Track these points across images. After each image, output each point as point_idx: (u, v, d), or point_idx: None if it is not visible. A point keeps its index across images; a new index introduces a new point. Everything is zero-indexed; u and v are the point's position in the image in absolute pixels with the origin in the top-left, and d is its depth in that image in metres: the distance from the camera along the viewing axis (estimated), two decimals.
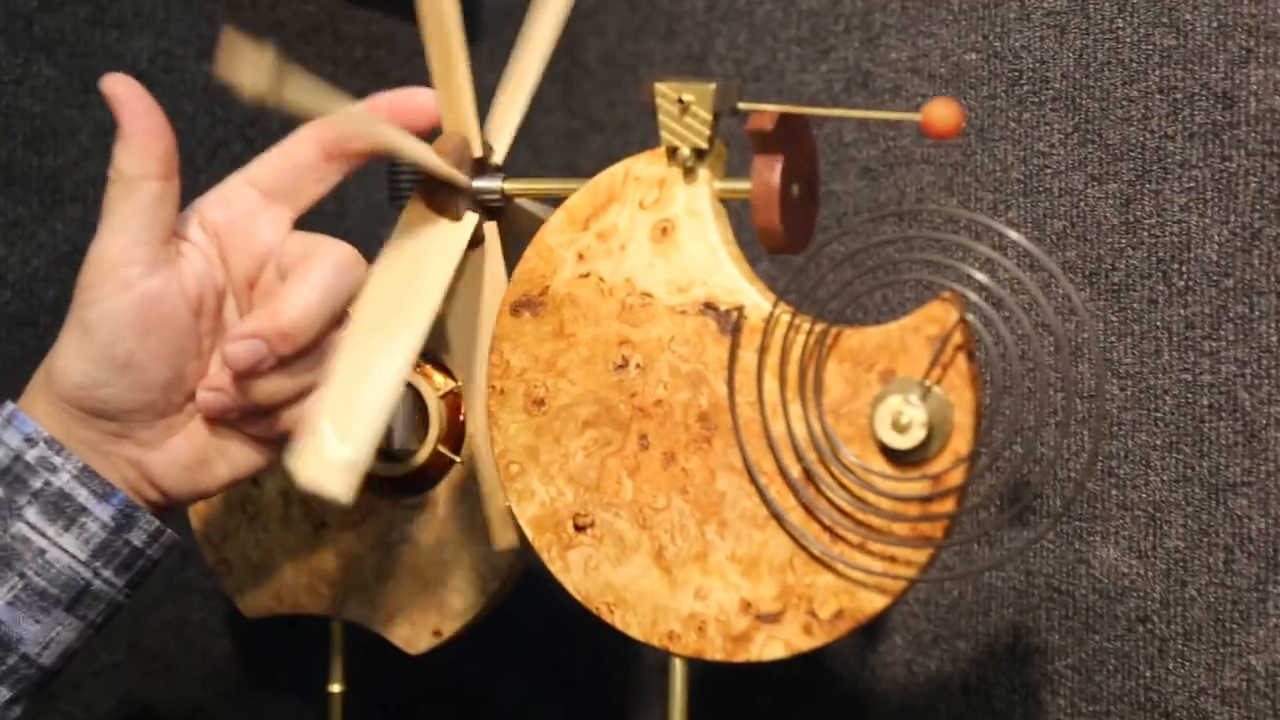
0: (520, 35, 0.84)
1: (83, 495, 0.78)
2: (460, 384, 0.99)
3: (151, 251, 0.77)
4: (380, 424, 0.75)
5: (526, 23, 0.84)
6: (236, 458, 0.82)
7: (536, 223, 0.82)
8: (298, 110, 0.73)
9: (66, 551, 0.78)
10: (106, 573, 0.79)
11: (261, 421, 0.81)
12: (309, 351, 0.79)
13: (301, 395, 0.80)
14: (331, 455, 0.74)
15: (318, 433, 0.74)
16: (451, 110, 0.82)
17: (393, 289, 0.79)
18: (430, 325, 0.78)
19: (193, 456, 0.81)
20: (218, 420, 0.81)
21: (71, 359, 0.77)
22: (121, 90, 0.78)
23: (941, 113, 0.70)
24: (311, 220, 1.14)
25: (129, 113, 0.78)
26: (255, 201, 0.81)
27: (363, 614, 1.01)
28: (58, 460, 0.77)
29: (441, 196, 0.81)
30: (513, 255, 0.82)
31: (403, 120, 0.80)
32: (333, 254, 0.79)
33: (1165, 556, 0.93)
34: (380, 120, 0.79)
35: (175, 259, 0.79)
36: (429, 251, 0.81)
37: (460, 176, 0.81)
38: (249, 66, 0.69)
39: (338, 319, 0.79)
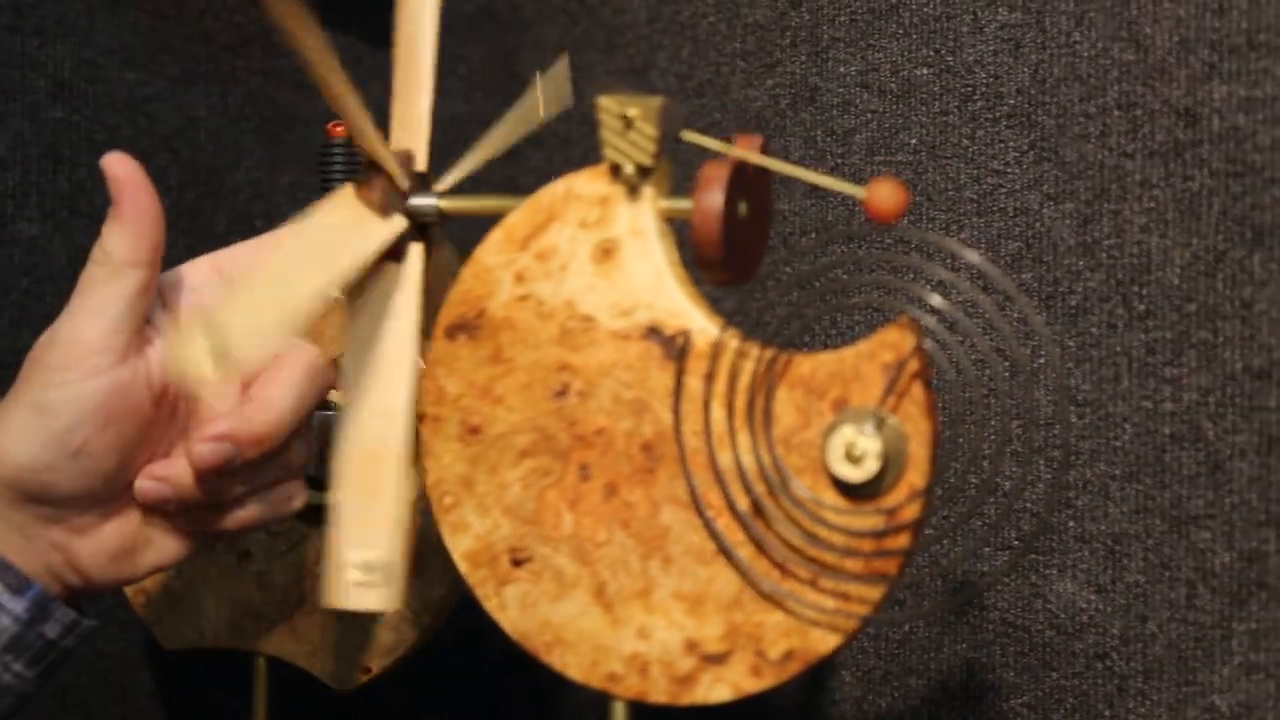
0: (395, 21, 0.81)
1: None
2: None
3: (126, 340, 0.76)
4: (404, 521, 0.76)
5: (397, 7, 0.81)
6: (163, 548, 0.81)
7: (451, 274, 0.80)
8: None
9: None
10: (17, 666, 0.77)
11: (199, 517, 0.80)
12: (272, 455, 0.79)
13: (249, 497, 0.80)
14: (371, 577, 0.75)
15: (349, 570, 0.75)
16: (407, 124, 0.80)
17: (371, 367, 0.78)
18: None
19: (121, 544, 0.79)
20: (152, 510, 0.79)
21: (19, 439, 0.75)
22: (121, 170, 0.77)
23: (885, 194, 0.68)
24: (238, 226, 1.11)
25: (128, 195, 0.77)
26: (217, 289, 0.81)
27: (288, 649, 1.00)
28: None
29: (375, 190, 0.79)
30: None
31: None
32: (304, 359, 0.79)
33: (1125, 591, 0.92)
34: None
35: (144, 348, 0.78)
36: (389, 308, 0.79)
37: (397, 225, 0.78)
38: (202, 357, 0.71)
39: (301, 426, 0.80)
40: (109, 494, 0.78)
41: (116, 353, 0.76)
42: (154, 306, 0.79)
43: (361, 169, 0.80)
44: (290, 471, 0.81)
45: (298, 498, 0.82)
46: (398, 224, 0.79)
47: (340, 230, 0.78)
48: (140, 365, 0.77)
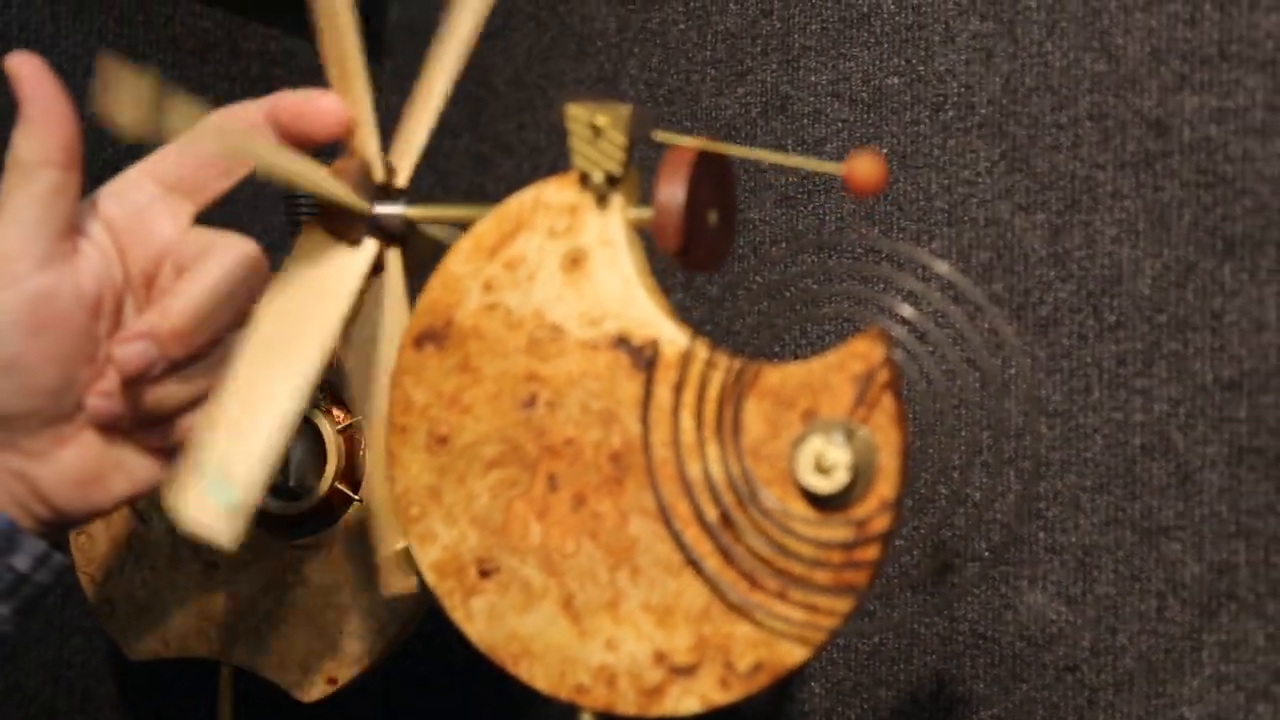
0: (429, 54, 0.81)
1: None
2: (358, 419, 0.96)
3: (46, 245, 0.73)
4: (268, 466, 0.72)
5: (435, 41, 0.81)
6: (134, 471, 0.78)
7: (441, 248, 0.79)
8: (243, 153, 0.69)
9: None
10: None
11: (156, 430, 0.77)
12: (205, 354, 0.75)
13: (198, 401, 0.76)
14: (216, 498, 0.71)
15: (201, 472, 0.71)
16: (401, 143, 0.79)
17: (286, 319, 0.76)
18: (324, 358, 0.75)
19: (85, 470, 0.76)
20: (111, 430, 0.77)
21: None
22: (26, 69, 0.74)
23: (865, 168, 0.68)
24: None
25: (32, 93, 0.73)
26: (154, 195, 0.77)
27: (254, 659, 0.99)
28: None
29: (340, 222, 0.78)
30: (416, 282, 0.79)
31: (306, 125, 0.76)
32: (232, 250, 0.75)
33: (1095, 603, 0.92)
34: (267, 143, 0.74)
35: (71, 255, 0.74)
36: (325, 279, 0.77)
37: (359, 202, 0.77)
38: (128, 98, 0.66)
39: (237, 319, 0.76)
40: (58, 413, 0.75)
41: (37, 258, 0.72)
42: (86, 215, 0.76)
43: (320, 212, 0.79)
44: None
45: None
46: (370, 248, 0.78)
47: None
48: (67, 272, 0.74)
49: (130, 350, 0.73)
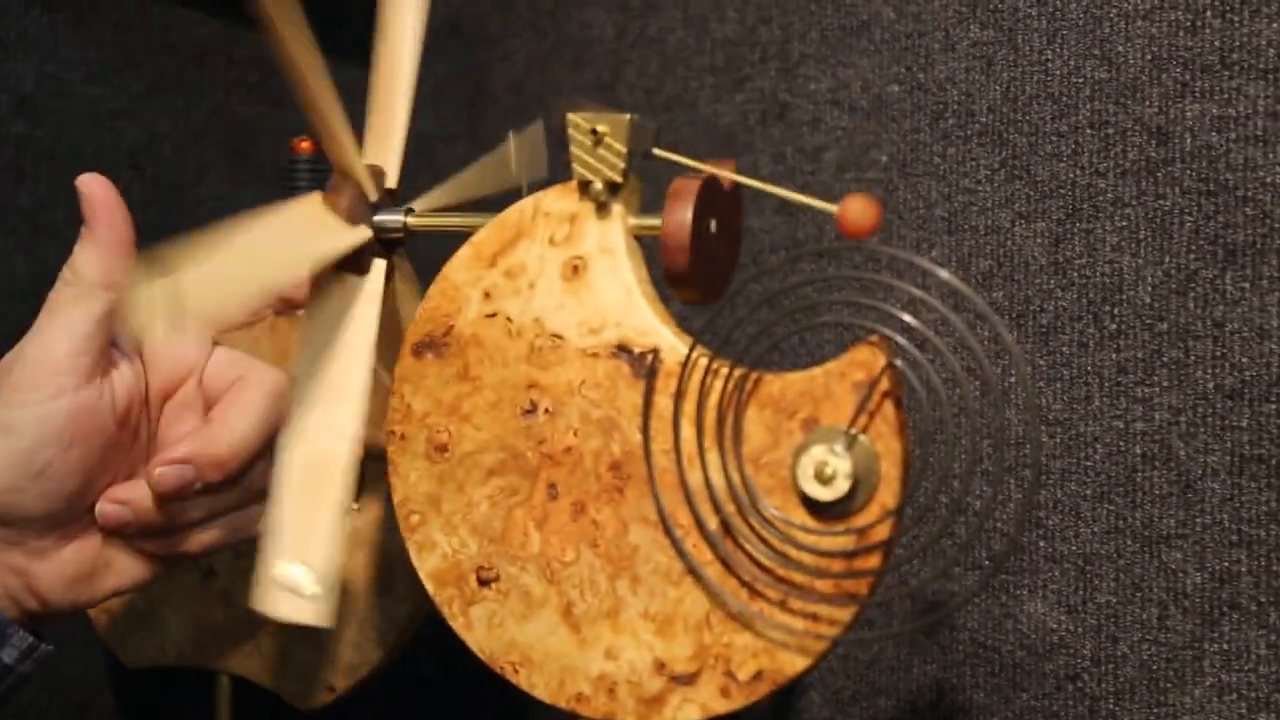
0: (375, 40, 0.80)
1: None
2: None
3: (92, 361, 0.75)
4: (339, 536, 0.74)
5: (378, 26, 0.81)
6: (123, 571, 0.80)
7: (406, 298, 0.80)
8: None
9: None
10: None
11: (159, 540, 0.79)
12: (234, 480, 0.78)
13: (210, 520, 0.79)
14: (302, 587, 0.73)
15: (279, 573, 0.73)
16: (378, 142, 0.80)
17: (319, 370, 0.77)
18: (367, 397, 0.76)
19: (81, 568, 0.78)
20: (114, 533, 0.78)
21: None
22: (98, 191, 0.76)
23: (858, 210, 0.67)
24: None
25: (104, 217, 0.76)
26: None
27: (251, 668, 0.99)
28: None
29: (343, 197, 0.79)
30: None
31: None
32: (269, 382, 0.78)
33: (1096, 611, 0.91)
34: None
35: (109, 369, 0.77)
36: (347, 321, 0.78)
37: (361, 234, 0.78)
38: (147, 310, 0.70)
39: (268, 448, 0.78)
40: (70, 516, 0.76)
41: (83, 373, 0.75)
42: (121, 332, 0.78)
43: (329, 180, 0.79)
44: (252, 495, 0.80)
45: (260, 521, 0.81)
46: (363, 233, 0.78)
47: (306, 226, 0.77)
48: (105, 387, 0.76)
49: (170, 473, 0.75)
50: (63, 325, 0.75)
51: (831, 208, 0.68)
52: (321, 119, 0.76)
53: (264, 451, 0.78)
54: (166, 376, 0.79)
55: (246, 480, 0.78)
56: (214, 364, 0.79)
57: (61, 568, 0.77)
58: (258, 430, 0.77)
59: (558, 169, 0.77)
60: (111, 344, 0.77)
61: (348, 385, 0.77)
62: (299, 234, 0.77)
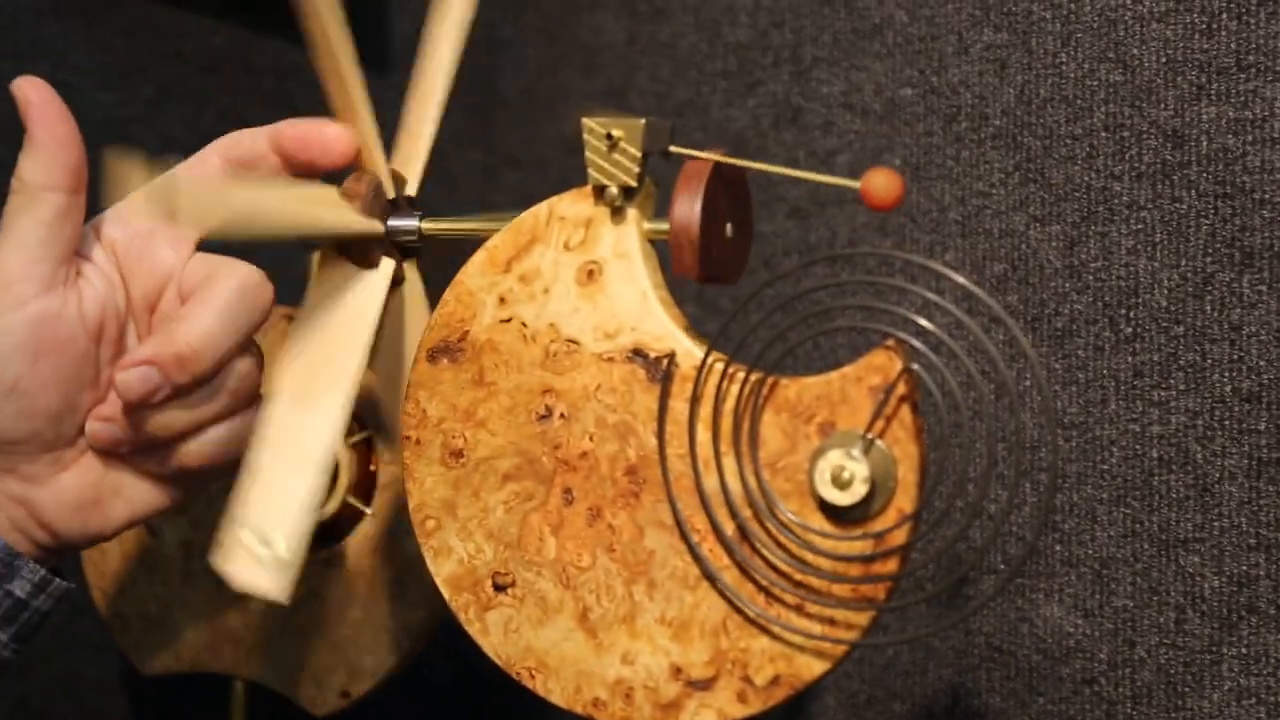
0: (418, 57, 0.80)
1: None
2: (371, 432, 0.96)
3: (50, 269, 0.73)
4: (311, 515, 0.72)
5: (423, 41, 0.81)
6: (134, 497, 0.77)
7: (459, 246, 0.79)
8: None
9: None
10: None
11: (157, 456, 0.77)
12: (209, 381, 0.75)
13: (200, 428, 0.76)
14: (263, 555, 0.71)
15: (244, 532, 0.71)
16: (404, 152, 0.80)
17: (313, 355, 0.76)
18: (356, 390, 0.75)
19: (84, 495, 0.76)
20: (111, 455, 0.76)
21: None
22: (33, 93, 0.74)
23: (881, 183, 0.67)
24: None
25: (40, 117, 0.74)
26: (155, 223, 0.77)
27: (266, 673, 0.99)
28: None
29: (355, 245, 0.78)
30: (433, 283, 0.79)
31: (312, 155, 0.76)
32: (236, 276, 0.75)
33: (1113, 615, 0.91)
34: (276, 192, 0.75)
35: (74, 279, 0.75)
36: (348, 309, 0.77)
37: (375, 226, 0.77)
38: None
39: (241, 346, 0.75)
40: (57, 437, 0.75)
41: (40, 281, 0.72)
42: (89, 240, 0.76)
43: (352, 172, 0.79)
44: (239, 398, 0.77)
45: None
46: (387, 267, 0.78)
47: (322, 199, 0.77)
48: (70, 296, 0.74)
49: (133, 376, 0.72)
50: (12, 235, 0.73)
51: (854, 183, 0.68)
52: (351, 113, 0.75)
53: (239, 349, 0.75)
54: (145, 286, 0.77)
55: (227, 382, 0.76)
56: (188, 269, 0.76)
57: (62, 494, 0.75)
58: (222, 323, 0.74)
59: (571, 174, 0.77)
60: (79, 255, 0.75)
61: (339, 373, 0.75)
62: (313, 201, 0.76)
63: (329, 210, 0.76)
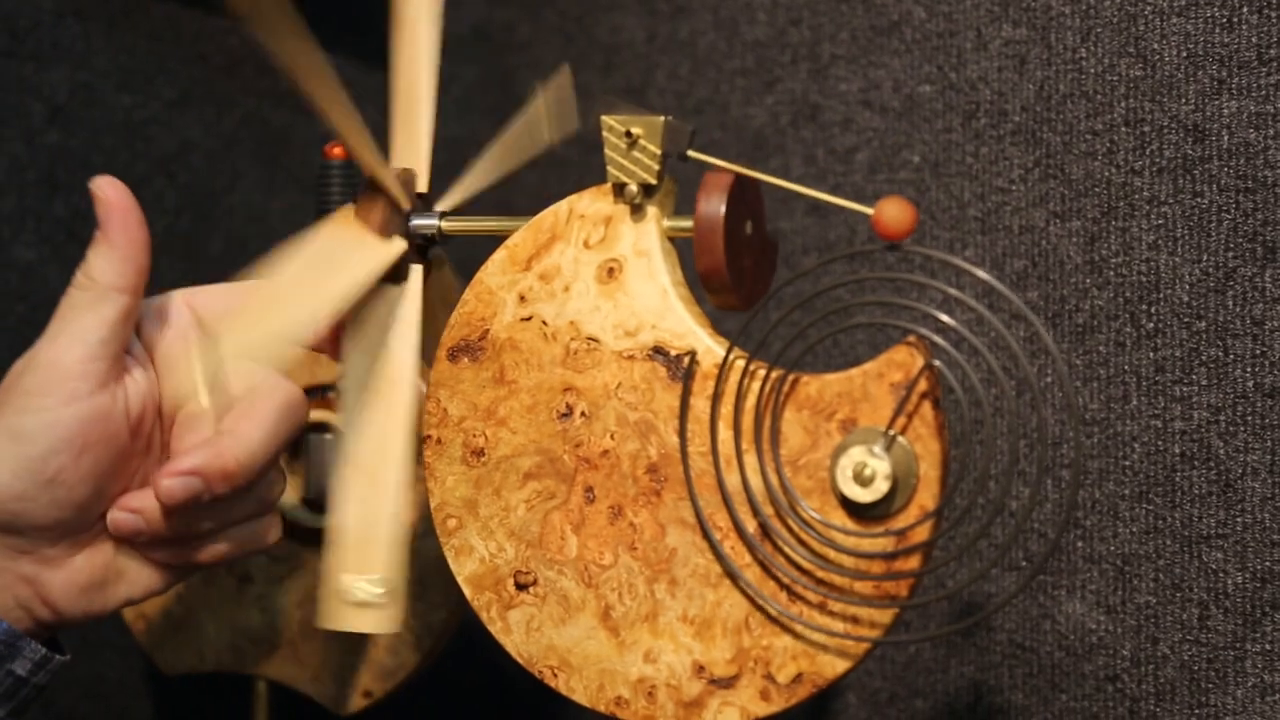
0: (391, 47, 0.80)
1: None
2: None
3: (107, 367, 0.74)
4: (396, 544, 0.75)
5: (393, 31, 0.80)
6: (136, 581, 0.79)
7: (450, 289, 0.79)
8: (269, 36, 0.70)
9: None
10: None
11: (171, 550, 0.78)
12: (244, 489, 0.77)
13: (222, 530, 0.78)
14: (371, 598, 0.74)
15: (345, 585, 0.74)
16: (407, 144, 0.80)
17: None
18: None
19: (93, 577, 0.77)
20: (126, 542, 0.78)
21: None
22: (113, 194, 0.76)
23: (893, 213, 0.67)
24: (234, 250, 1.10)
25: (116, 219, 0.75)
26: (191, 324, 0.79)
27: (289, 673, 0.99)
28: None
29: (375, 210, 0.78)
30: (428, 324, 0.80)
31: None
32: (280, 394, 0.77)
33: (1135, 612, 0.91)
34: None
35: (122, 376, 0.76)
36: (351, 252, 0.77)
37: (401, 194, 0.77)
38: (197, 377, 0.73)
39: (278, 460, 0.78)
40: (81, 525, 0.76)
41: (96, 379, 0.74)
42: (131, 335, 0.77)
43: (360, 191, 0.79)
44: (264, 506, 0.79)
45: (272, 532, 0.80)
46: (398, 246, 0.78)
47: (339, 252, 0.77)
48: (119, 393, 0.75)
49: (177, 485, 0.74)
50: (76, 330, 0.74)
51: (867, 210, 0.68)
52: (342, 131, 0.75)
53: (274, 464, 0.77)
54: (178, 387, 0.78)
55: (257, 492, 0.78)
56: (230, 378, 0.78)
57: (73, 576, 0.76)
58: (267, 442, 0.76)
59: (590, 165, 0.77)
60: (125, 351, 0.77)
61: (395, 394, 0.77)
62: (334, 263, 0.77)
63: (353, 260, 0.77)
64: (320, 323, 0.75)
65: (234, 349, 0.73)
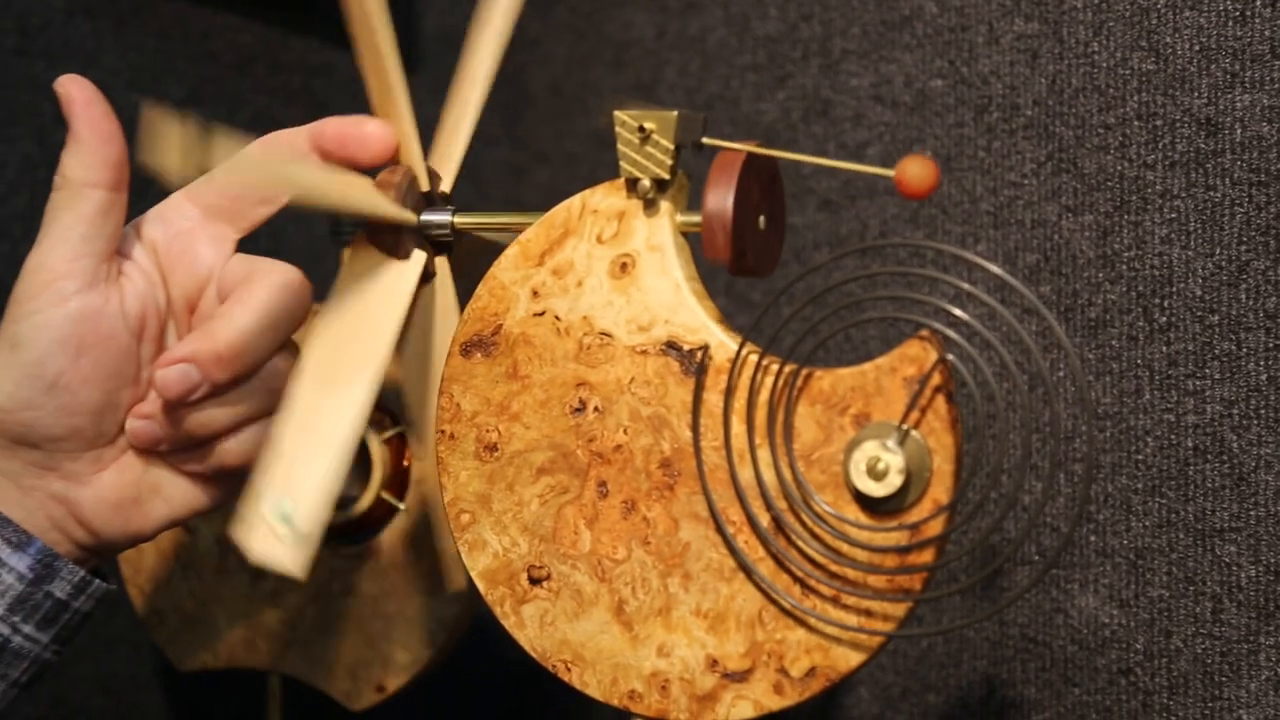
0: (461, 59, 0.81)
1: None
2: (405, 427, 0.96)
3: (93, 265, 0.73)
4: (331, 494, 0.72)
5: (466, 46, 0.81)
6: (173, 496, 0.78)
7: (492, 248, 0.79)
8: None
9: None
10: (26, 628, 0.74)
11: (197, 454, 0.77)
12: (247, 379, 0.75)
13: (239, 426, 0.76)
14: (282, 529, 0.71)
15: (264, 505, 0.71)
16: (442, 151, 0.80)
17: (340, 339, 0.76)
18: (380, 379, 0.75)
19: (124, 493, 0.76)
20: (151, 453, 0.77)
21: None
22: (75, 90, 0.74)
23: (916, 171, 0.67)
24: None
25: (82, 114, 0.74)
26: (196, 219, 0.78)
27: (302, 668, 0.99)
28: None
29: (387, 235, 0.78)
30: (463, 287, 0.79)
31: (352, 151, 0.76)
32: (275, 275, 0.76)
33: (1149, 606, 0.91)
34: (306, 169, 0.75)
35: (116, 276, 0.75)
36: (377, 296, 0.77)
37: (407, 215, 0.77)
38: (173, 145, 0.69)
39: (279, 345, 0.76)
40: (99, 435, 0.75)
41: (83, 277, 0.73)
42: (131, 238, 0.77)
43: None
44: (279, 397, 0.77)
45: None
46: (418, 260, 0.78)
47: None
48: (112, 293, 0.74)
49: (172, 373, 0.73)
50: (56, 230, 0.73)
51: (888, 172, 0.68)
52: (392, 108, 0.76)
53: (276, 349, 0.76)
54: (185, 285, 0.78)
55: (266, 380, 0.76)
56: (228, 268, 0.77)
57: (103, 493, 0.75)
58: (260, 322, 0.74)
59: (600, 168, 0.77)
60: (121, 253, 0.76)
61: (366, 357, 0.75)
62: (350, 185, 0.76)
63: (365, 194, 0.76)
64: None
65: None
